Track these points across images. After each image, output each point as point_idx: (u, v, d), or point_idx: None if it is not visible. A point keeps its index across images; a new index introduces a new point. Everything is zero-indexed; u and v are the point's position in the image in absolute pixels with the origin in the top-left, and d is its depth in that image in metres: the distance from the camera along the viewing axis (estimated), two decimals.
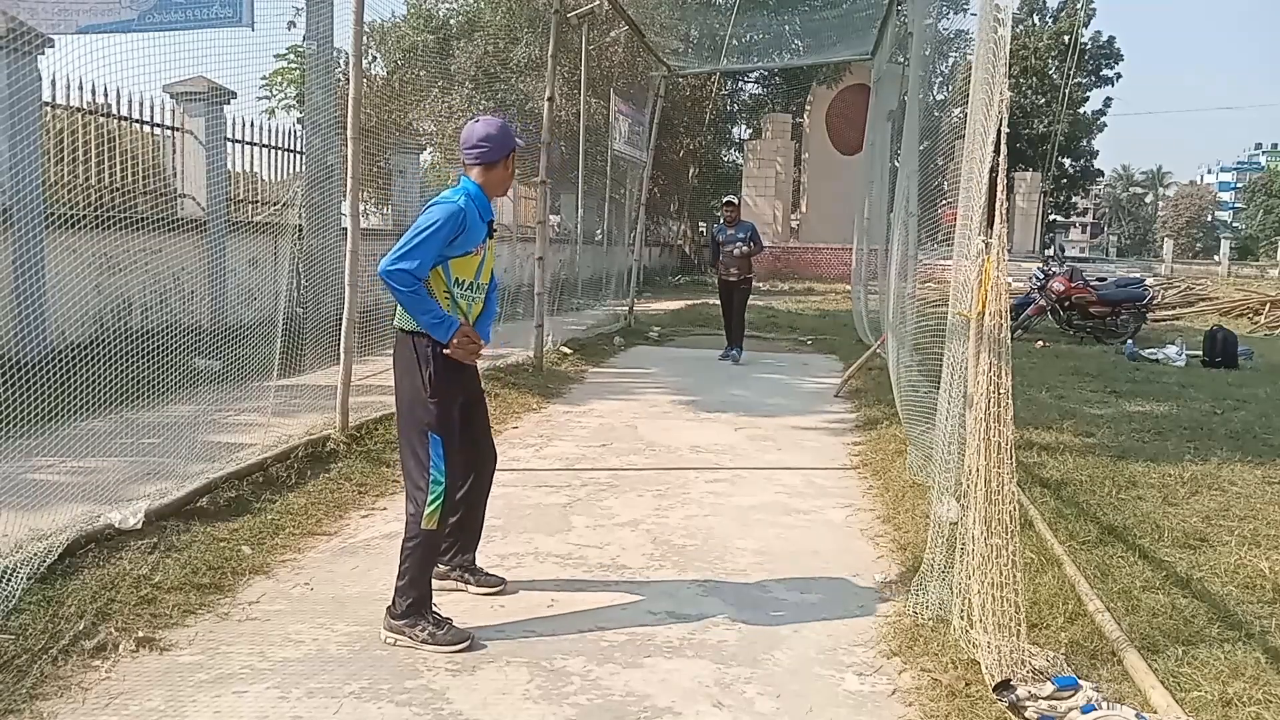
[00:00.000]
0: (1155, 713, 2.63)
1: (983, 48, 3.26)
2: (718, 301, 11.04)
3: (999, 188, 2.99)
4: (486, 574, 3.71)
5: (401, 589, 3.20)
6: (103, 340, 5.08)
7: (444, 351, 3.22)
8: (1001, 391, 2.96)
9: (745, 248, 10.30)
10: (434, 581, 3.37)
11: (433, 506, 3.21)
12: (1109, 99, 52.51)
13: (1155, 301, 14.98)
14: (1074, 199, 53.16)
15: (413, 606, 3.18)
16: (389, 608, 3.21)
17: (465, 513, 3.56)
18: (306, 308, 7.91)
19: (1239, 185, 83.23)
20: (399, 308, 3.24)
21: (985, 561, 2.92)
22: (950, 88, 25.34)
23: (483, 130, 3.33)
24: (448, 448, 3.25)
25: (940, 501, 3.61)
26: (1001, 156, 2.99)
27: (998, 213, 3.03)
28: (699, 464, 5.87)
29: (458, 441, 3.33)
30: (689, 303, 17.76)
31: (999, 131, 2.97)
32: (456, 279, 3.29)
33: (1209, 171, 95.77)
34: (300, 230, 7.84)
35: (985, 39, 3.22)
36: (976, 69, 3.42)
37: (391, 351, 3.37)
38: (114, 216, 6.62)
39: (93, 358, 4.89)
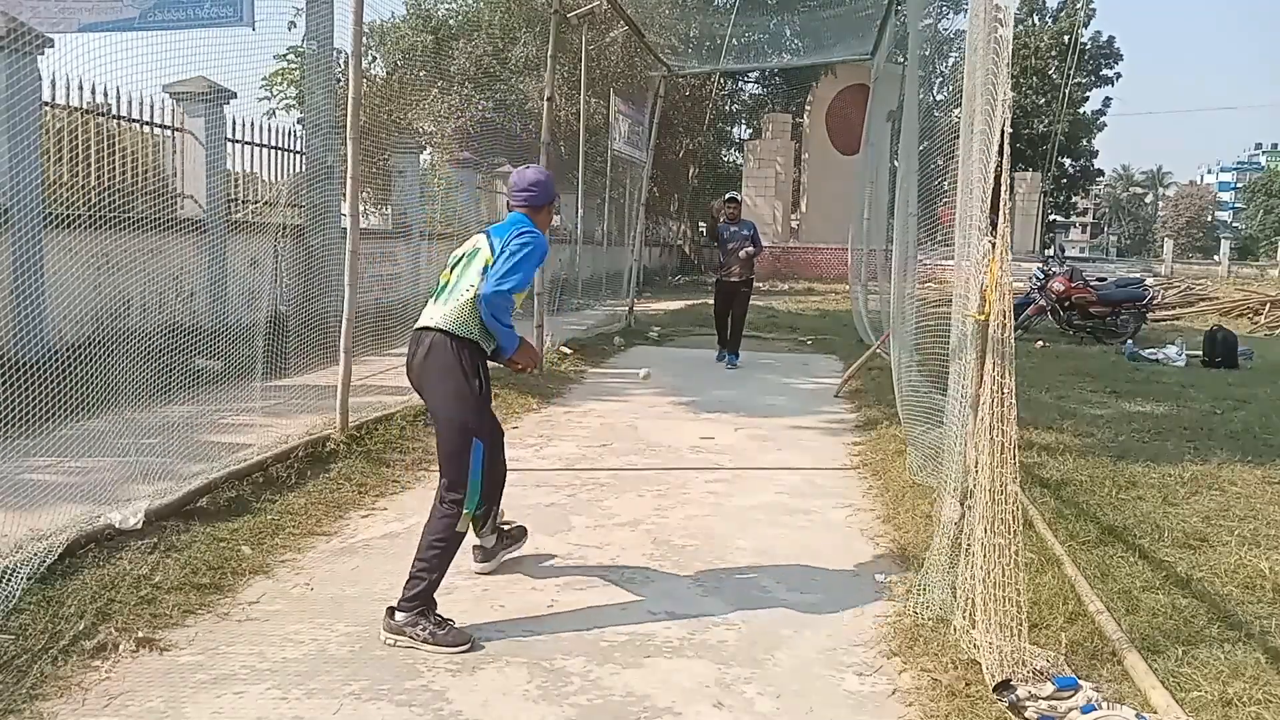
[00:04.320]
0: (1155, 713, 2.63)
1: (980, 47, 3.25)
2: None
3: (1003, 188, 2.98)
4: (509, 529, 3.98)
5: (416, 579, 3.21)
6: (102, 340, 5.08)
7: (507, 361, 3.47)
8: (1005, 391, 2.96)
9: (749, 248, 10.00)
10: (490, 572, 3.77)
11: (468, 511, 3.35)
12: (1109, 99, 52.83)
13: (1155, 301, 14.99)
14: (1074, 199, 53.19)
15: (419, 597, 3.18)
16: (390, 609, 3.21)
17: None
18: (289, 307, 7.89)
19: (1239, 185, 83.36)
20: (443, 311, 3.33)
21: (987, 561, 2.92)
22: (950, 88, 25.36)
23: (534, 176, 3.64)
24: (488, 453, 3.39)
25: (944, 502, 3.61)
26: (1005, 157, 2.98)
27: (1002, 213, 3.02)
28: (699, 464, 5.87)
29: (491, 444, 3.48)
30: (689, 303, 17.75)
31: (1002, 132, 2.97)
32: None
33: (1209, 171, 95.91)
34: (284, 229, 7.82)
35: (979, 38, 3.21)
36: (971, 71, 3.42)
37: (395, 351, 3.40)
38: (113, 216, 6.62)
39: (92, 358, 4.89)
